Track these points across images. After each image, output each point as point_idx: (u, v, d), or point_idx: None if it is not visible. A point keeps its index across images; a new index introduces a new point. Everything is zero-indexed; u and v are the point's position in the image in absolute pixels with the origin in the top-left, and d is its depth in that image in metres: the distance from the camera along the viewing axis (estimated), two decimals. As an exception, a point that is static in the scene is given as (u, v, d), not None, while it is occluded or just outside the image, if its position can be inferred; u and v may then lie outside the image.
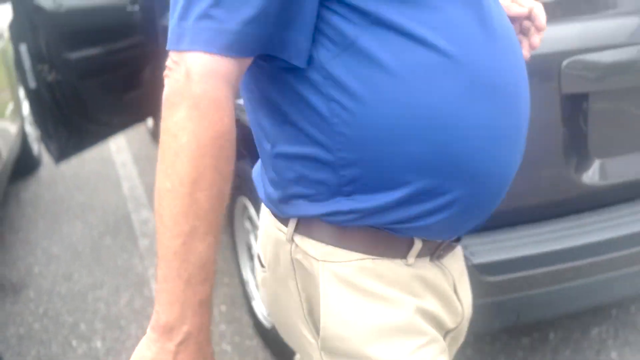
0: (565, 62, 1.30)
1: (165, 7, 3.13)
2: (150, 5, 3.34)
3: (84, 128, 3.20)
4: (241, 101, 0.86)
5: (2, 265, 2.92)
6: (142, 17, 3.33)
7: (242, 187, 1.88)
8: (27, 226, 3.34)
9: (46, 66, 2.84)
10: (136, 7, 3.34)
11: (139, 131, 4.83)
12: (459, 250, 0.93)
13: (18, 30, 2.72)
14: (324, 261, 0.80)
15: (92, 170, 4.18)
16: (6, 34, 3.77)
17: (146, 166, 4.13)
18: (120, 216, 3.39)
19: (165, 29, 0.71)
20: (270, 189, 0.85)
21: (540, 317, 1.54)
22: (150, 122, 4.37)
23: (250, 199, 1.95)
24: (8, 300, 2.61)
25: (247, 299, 2.29)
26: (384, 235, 0.79)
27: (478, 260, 1.31)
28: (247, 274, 2.27)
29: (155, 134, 4.48)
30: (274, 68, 0.73)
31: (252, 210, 1.98)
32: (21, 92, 3.91)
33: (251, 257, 2.20)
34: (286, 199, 0.82)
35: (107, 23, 3.23)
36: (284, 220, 0.84)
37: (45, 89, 2.85)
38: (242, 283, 2.30)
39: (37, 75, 2.80)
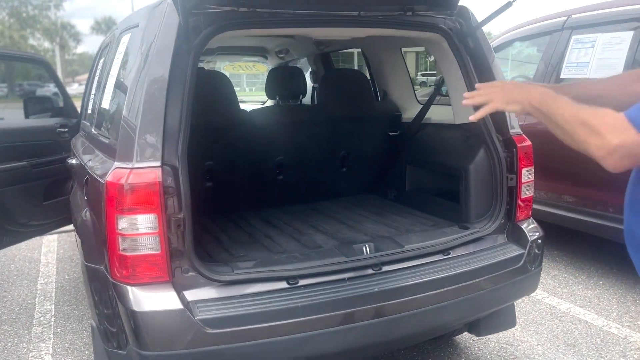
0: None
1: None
2: (76, 128, 4.03)
3: (4, 228, 3.71)
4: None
5: None
6: (69, 137, 4.00)
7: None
8: (-61, 314, 3.72)
9: (-27, 176, 3.42)
10: (65, 129, 4.03)
11: (71, 235, 5.35)
12: None
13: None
14: None
15: (18, 267, 4.62)
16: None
17: (66, 266, 4.59)
18: (25, 307, 3.80)
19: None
20: None
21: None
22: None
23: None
24: None
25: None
26: None
27: (202, 316, 1.80)
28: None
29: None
30: None
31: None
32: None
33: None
34: None
35: (37, 141, 3.89)
36: None
37: (-30, 194, 3.40)
38: None
39: (-35, 182, 3.37)
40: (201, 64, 4.86)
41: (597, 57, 4.04)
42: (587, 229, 4.11)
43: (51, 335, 3.36)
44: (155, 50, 1.91)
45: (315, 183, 3.29)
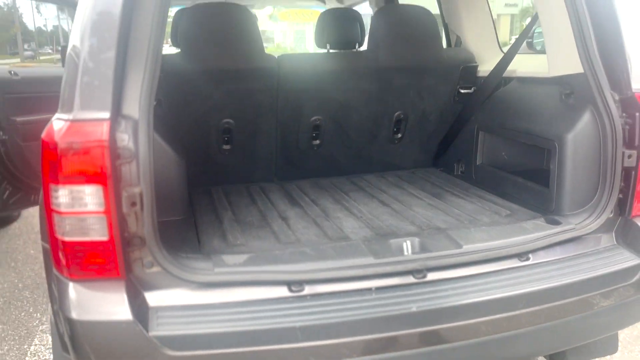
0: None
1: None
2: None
3: (30, 185, 3.43)
4: None
5: None
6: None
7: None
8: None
9: (-5, 126, 3.13)
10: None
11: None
12: None
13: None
14: None
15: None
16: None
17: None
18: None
19: None
20: None
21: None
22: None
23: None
24: None
25: None
26: None
27: (159, 332, 1.29)
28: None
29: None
30: None
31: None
32: None
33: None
34: None
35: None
36: None
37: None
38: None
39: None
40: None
41: None
42: None
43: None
44: None
45: (361, 152, 2.65)
